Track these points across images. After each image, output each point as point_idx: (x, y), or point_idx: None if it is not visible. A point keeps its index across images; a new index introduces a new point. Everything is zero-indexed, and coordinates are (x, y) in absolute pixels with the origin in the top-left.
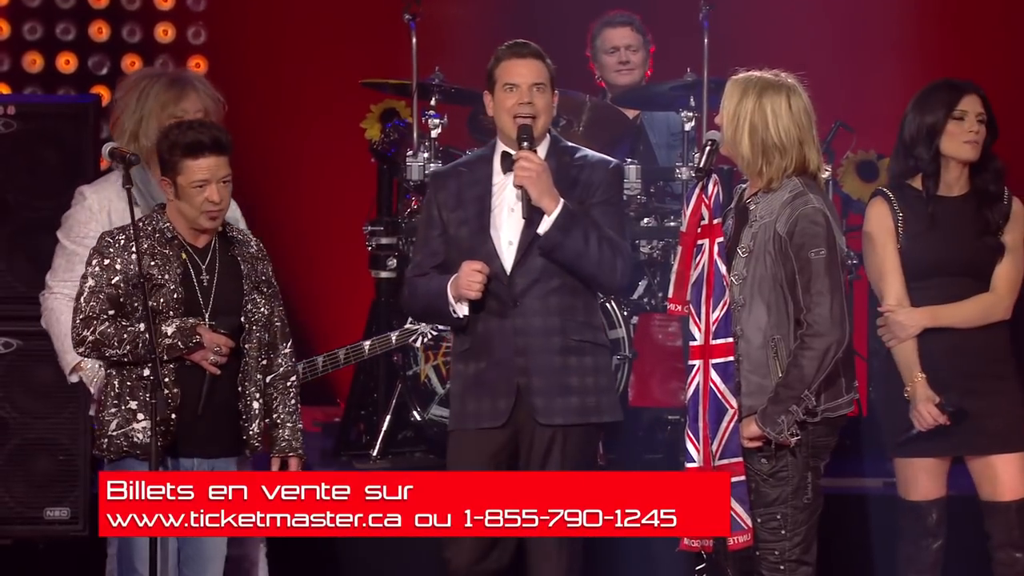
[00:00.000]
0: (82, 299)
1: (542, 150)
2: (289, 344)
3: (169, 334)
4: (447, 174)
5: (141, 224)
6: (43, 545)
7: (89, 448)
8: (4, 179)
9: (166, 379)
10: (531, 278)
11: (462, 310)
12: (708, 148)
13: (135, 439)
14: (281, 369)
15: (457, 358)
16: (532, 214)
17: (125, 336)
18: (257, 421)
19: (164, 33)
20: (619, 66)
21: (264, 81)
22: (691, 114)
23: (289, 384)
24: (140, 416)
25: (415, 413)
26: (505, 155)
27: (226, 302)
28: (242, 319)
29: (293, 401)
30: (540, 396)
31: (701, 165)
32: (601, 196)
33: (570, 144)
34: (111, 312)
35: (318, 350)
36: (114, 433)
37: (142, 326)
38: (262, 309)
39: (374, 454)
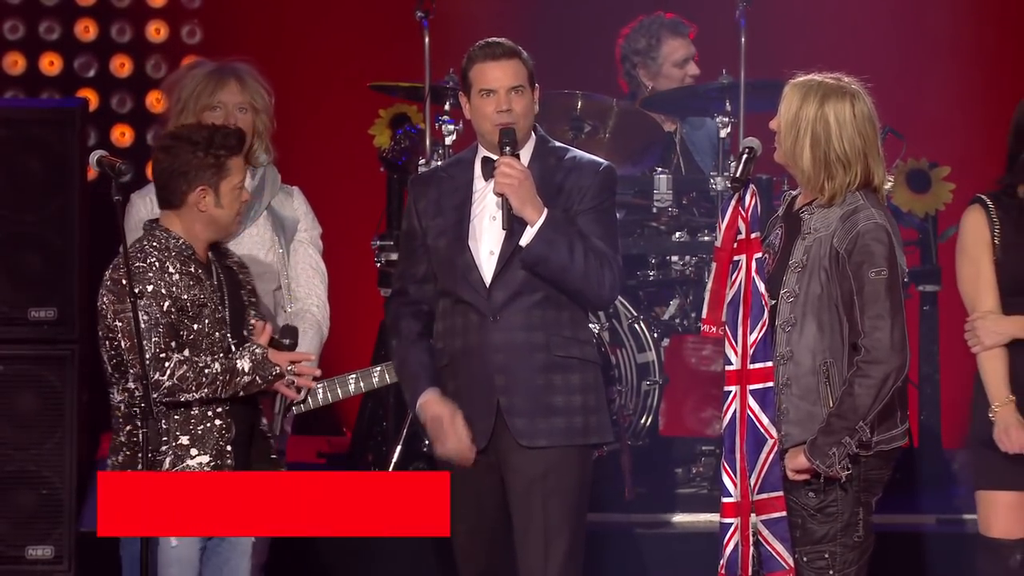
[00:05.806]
0: (142, 339)
1: (526, 153)
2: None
3: (246, 370)
4: (427, 180)
5: (155, 247)
6: None
7: (75, 481)
8: None
9: (219, 409)
10: (512, 291)
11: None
12: (745, 156)
13: None
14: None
15: None
16: (513, 224)
17: (204, 380)
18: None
19: (156, 32)
20: (690, 80)
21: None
22: (727, 119)
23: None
24: (194, 451)
25: (428, 444)
26: (486, 160)
27: (237, 316)
28: (244, 332)
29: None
30: (522, 417)
31: (738, 174)
32: (589, 202)
33: (559, 145)
34: (174, 344)
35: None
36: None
37: (218, 366)
38: (251, 320)
39: None
